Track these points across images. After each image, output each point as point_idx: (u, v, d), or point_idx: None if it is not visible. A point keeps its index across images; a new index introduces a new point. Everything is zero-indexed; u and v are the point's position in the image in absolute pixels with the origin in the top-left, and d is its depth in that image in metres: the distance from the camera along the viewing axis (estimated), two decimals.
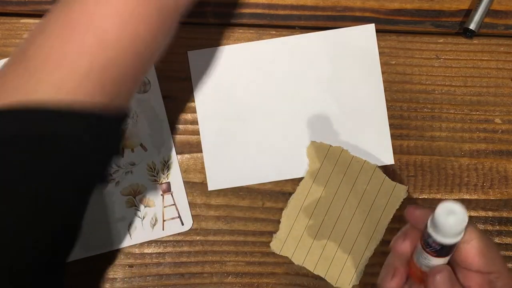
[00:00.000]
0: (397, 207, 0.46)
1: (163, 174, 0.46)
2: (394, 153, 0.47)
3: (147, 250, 0.46)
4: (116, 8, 0.31)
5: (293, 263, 0.45)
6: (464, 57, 0.48)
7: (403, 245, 0.34)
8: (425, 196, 0.47)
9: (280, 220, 0.46)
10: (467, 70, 0.48)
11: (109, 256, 0.46)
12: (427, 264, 0.32)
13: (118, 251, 0.46)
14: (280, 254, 0.45)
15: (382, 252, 0.45)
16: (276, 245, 0.45)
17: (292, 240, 0.45)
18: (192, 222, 0.46)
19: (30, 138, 0.29)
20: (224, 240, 0.46)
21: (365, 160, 0.46)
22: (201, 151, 0.46)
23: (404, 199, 0.46)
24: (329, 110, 0.47)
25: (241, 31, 0.47)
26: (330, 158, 0.46)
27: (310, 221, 0.45)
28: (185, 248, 0.46)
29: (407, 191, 0.46)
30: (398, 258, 0.35)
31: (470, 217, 0.46)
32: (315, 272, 0.45)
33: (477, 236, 0.32)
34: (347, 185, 0.46)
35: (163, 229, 0.46)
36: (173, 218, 0.46)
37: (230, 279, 0.46)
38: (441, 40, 0.48)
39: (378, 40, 0.47)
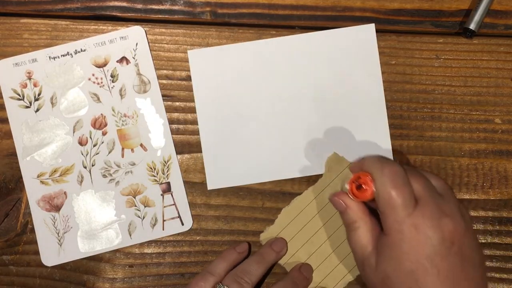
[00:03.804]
0: None
1: (163, 174, 0.46)
2: (394, 153, 0.47)
3: (147, 250, 0.46)
4: None
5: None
6: (464, 57, 0.48)
7: None
8: None
9: (278, 215, 0.45)
10: (467, 70, 0.48)
11: (109, 256, 0.46)
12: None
13: (118, 251, 0.46)
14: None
15: None
16: (265, 237, 0.45)
17: None
18: (192, 222, 0.46)
19: None
20: (224, 240, 0.46)
21: None
22: (201, 151, 0.46)
23: None
24: (328, 110, 0.47)
25: (241, 31, 0.47)
26: (344, 175, 0.44)
27: (306, 227, 0.45)
28: (185, 248, 0.46)
29: None
30: None
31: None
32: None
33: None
34: None
35: (163, 229, 0.46)
36: (173, 218, 0.46)
37: None
38: (441, 40, 0.48)
39: (378, 40, 0.47)
